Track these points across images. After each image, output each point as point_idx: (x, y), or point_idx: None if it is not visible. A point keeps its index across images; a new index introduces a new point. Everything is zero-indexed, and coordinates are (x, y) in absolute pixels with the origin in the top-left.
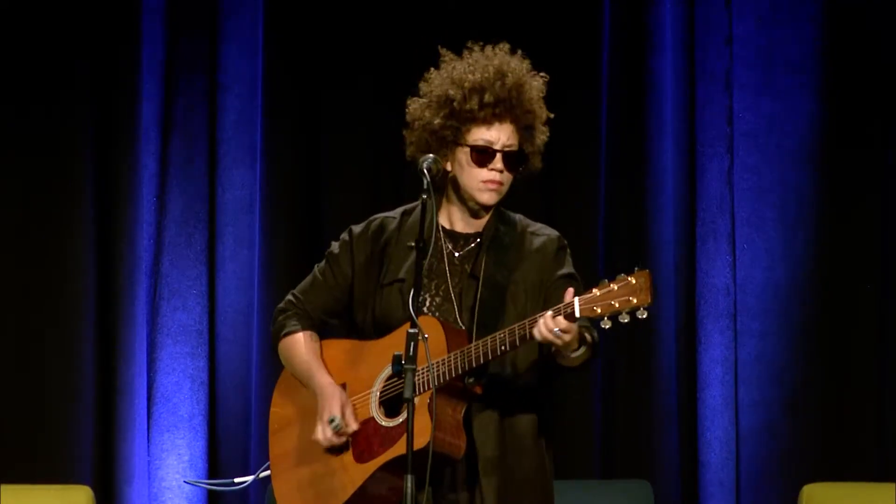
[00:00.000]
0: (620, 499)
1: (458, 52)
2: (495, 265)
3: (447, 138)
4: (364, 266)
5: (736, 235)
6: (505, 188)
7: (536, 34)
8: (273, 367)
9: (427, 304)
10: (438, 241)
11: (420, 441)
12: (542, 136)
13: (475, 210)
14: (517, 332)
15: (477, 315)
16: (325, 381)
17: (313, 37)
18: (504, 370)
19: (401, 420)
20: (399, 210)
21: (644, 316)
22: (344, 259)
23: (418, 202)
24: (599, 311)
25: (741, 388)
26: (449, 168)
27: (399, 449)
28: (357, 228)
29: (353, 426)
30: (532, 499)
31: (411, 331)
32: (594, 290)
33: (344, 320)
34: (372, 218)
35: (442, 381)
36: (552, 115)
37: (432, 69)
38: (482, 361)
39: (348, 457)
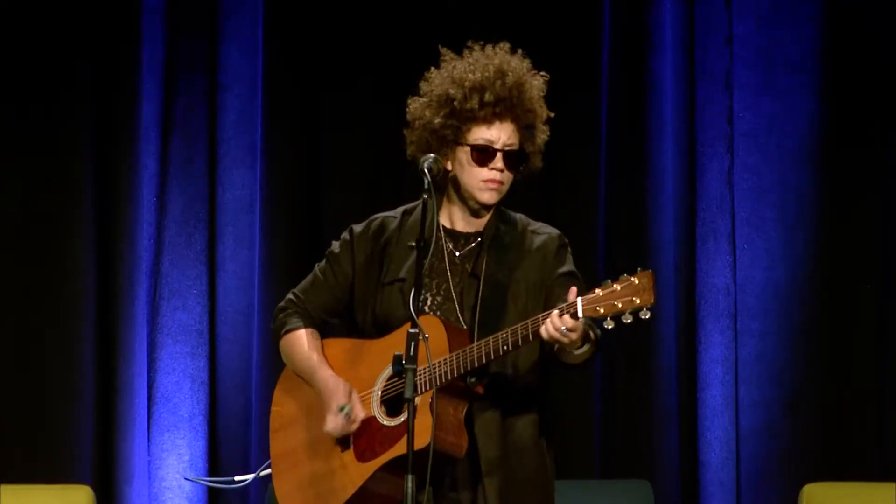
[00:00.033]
0: (620, 499)
1: (459, 52)
2: (496, 264)
3: (447, 138)
4: (364, 265)
5: (736, 235)
6: (505, 187)
7: (536, 34)
8: (273, 366)
9: (428, 303)
10: (439, 240)
11: (422, 440)
12: (542, 135)
13: (476, 209)
14: (520, 331)
15: (478, 314)
16: (327, 374)
17: (313, 37)
18: (505, 370)
19: (402, 419)
20: (400, 209)
21: (647, 316)
22: (344, 258)
23: (419, 202)
24: (602, 311)
25: (741, 388)
26: (449, 167)
27: (400, 448)
28: (358, 228)
29: (362, 413)
30: (533, 499)
31: (412, 331)
32: (597, 291)
33: (344, 320)
34: (373, 217)
35: (444, 380)
36: (552, 115)
37: (433, 68)
38: (484, 361)
39: (349, 456)
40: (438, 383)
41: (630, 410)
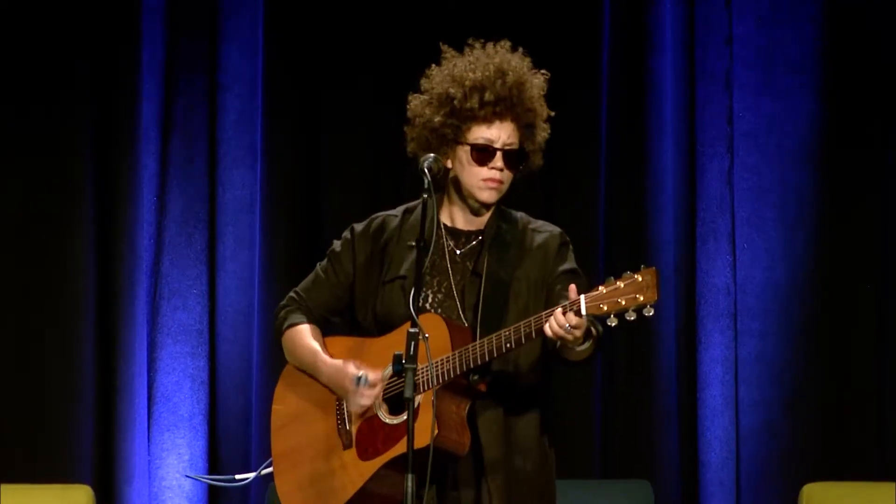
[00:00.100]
0: (620, 499)
1: (459, 52)
2: (497, 262)
3: (448, 136)
4: (365, 264)
5: (736, 235)
6: (505, 186)
7: (536, 34)
8: (273, 366)
9: (430, 300)
10: (440, 238)
11: (424, 439)
12: (542, 133)
13: (476, 208)
14: (522, 329)
15: (481, 312)
16: (331, 361)
17: (313, 37)
18: (507, 368)
19: (405, 417)
20: (401, 208)
21: (651, 313)
22: (346, 257)
23: (420, 201)
24: (606, 308)
25: (741, 388)
26: (450, 165)
27: (403, 447)
28: (359, 227)
29: (377, 376)
30: (535, 498)
31: (412, 330)
32: (600, 288)
33: (346, 318)
34: (374, 216)
35: (446, 377)
36: (553, 113)
37: (433, 65)
38: (487, 359)
39: (351, 454)
40: (441, 381)
41: (630, 410)
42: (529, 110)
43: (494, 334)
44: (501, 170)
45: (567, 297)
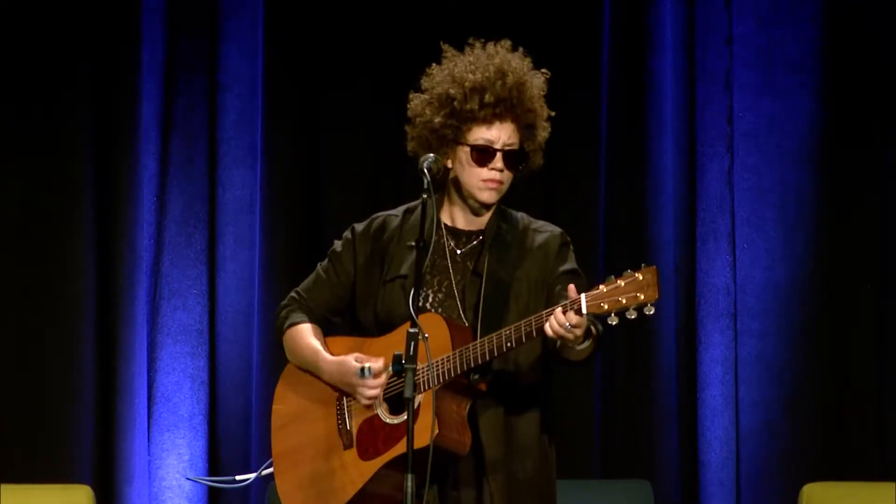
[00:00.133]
0: (620, 499)
1: (459, 52)
2: (498, 262)
3: (448, 137)
4: (366, 264)
5: (736, 235)
6: (505, 187)
7: (536, 34)
8: (273, 366)
9: (430, 300)
10: (441, 237)
11: (424, 439)
12: (543, 132)
13: (476, 208)
14: (523, 328)
15: (481, 312)
16: (332, 359)
17: (313, 37)
18: (507, 367)
19: (405, 417)
20: (401, 208)
21: (651, 312)
22: (346, 257)
23: (420, 200)
24: (606, 307)
25: (741, 388)
26: (450, 165)
27: (404, 446)
28: (359, 226)
29: (380, 364)
30: (536, 498)
31: (411, 330)
32: (601, 287)
33: (346, 318)
34: (374, 216)
35: (447, 377)
36: (553, 113)
37: (434, 64)
38: (488, 358)
39: (352, 454)
40: (441, 380)
41: (630, 410)
42: (529, 111)
43: (495, 333)
44: (501, 170)
45: (567, 297)
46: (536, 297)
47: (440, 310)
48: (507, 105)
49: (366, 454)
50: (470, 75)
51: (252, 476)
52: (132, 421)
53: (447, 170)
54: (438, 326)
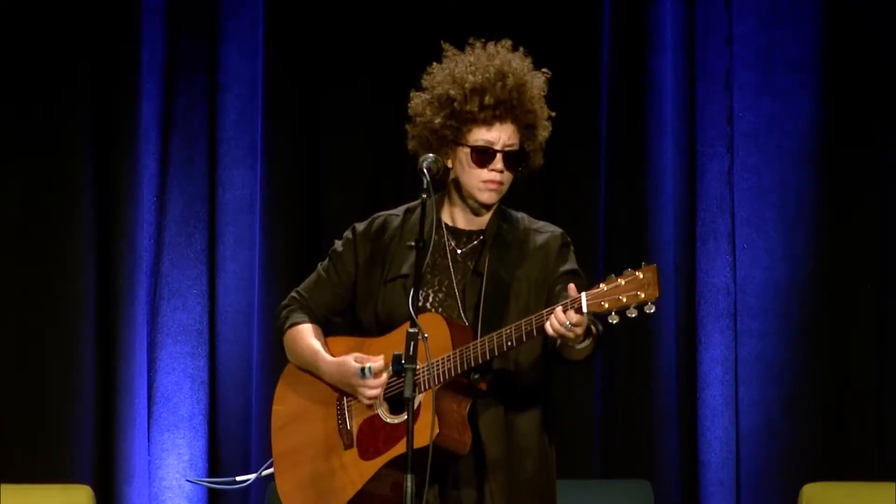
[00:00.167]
0: (620, 499)
1: (460, 51)
2: (499, 262)
3: (448, 138)
4: (367, 263)
5: (736, 235)
6: (505, 187)
7: (536, 34)
8: (273, 366)
9: (430, 300)
10: (441, 237)
11: (425, 438)
12: (544, 132)
13: (476, 208)
14: (524, 327)
15: (482, 311)
16: (332, 360)
17: (313, 37)
18: (508, 366)
19: (406, 416)
20: (402, 208)
21: (652, 310)
22: (348, 256)
23: (420, 200)
24: (607, 305)
25: (741, 388)
26: (450, 165)
27: (404, 446)
28: (360, 226)
29: (381, 359)
30: (536, 498)
31: (411, 330)
32: (601, 286)
33: (347, 318)
34: (375, 216)
35: (448, 376)
36: (553, 114)
37: (435, 63)
38: (488, 357)
39: (353, 454)
40: (442, 380)
41: (630, 410)
42: (530, 112)
43: (495, 333)
44: (501, 171)
45: (568, 296)
46: (537, 297)
47: (440, 309)
48: (507, 106)
49: (366, 454)
50: (470, 76)
51: (252, 477)
52: (132, 421)
53: (447, 169)
54: (439, 326)
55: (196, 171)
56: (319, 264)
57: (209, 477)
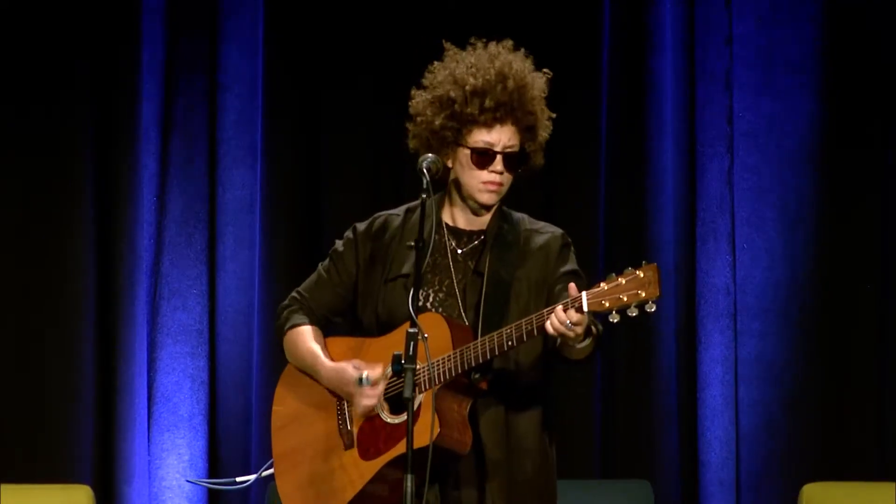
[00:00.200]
0: (620, 499)
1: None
2: (499, 262)
3: (448, 139)
4: (368, 263)
5: (736, 235)
6: (505, 188)
7: (536, 34)
8: (273, 366)
9: (430, 299)
10: (442, 237)
11: (425, 438)
12: (544, 132)
13: (476, 209)
14: (524, 326)
15: (482, 311)
16: (331, 365)
17: (313, 37)
18: (508, 365)
19: (406, 416)
20: (403, 207)
21: (653, 309)
22: (349, 256)
23: (420, 200)
24: (608, 304)
25: (741, 388)
26: (450, 164)
27: (405, 446)
28: (361, 226)
29: (379, 370)
30: (536, 498)
31: (411, 330)
32: (602, 285)
33: (348, 318)
34: (376, 215)
35: (449, 376)
36: (554, 115)
37: (436, 62)
38: (489, 357)
39: (353, 454)
40: (442, 380)
41: (630, 410)
42: (530, 114)
43: (496, 332)
44: (501, 173)
45: (568, 295)
46: (537, 298)
47: (441, 309)
48: (507, 109)
49: (367, 454)
50: (471, 79)
51: (252, 478)
52: (132, 421)
53: (447, 169)
54: (439, 326)
55: (196, 171)
56: (320, 264)
57: (209, 477)
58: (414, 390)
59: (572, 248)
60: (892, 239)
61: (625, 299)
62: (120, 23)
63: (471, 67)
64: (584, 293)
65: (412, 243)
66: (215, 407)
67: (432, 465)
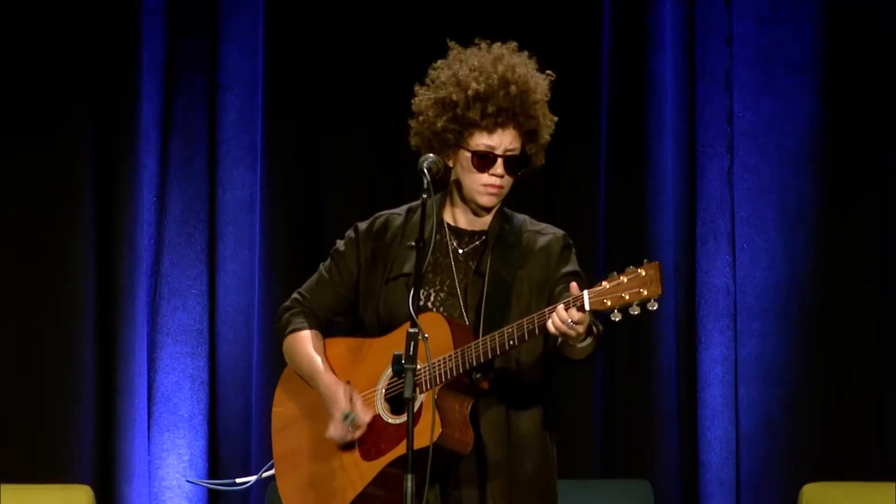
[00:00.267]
0: (620, 499)
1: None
2: (500, 262)
3: (449, 141)
4: (369, 262)
5: (736, 235)
6: (505, 191)
7: (537, 34)
8: (273, 366)
9: (431, 299)
10: (443, 237)
11: (426, 438)
12: (546, 134)
13: (476, 210)
14: (525, 326)
15: (483, 311)
16: (329, 380)
17: (313, 37)
18: (509, 365)
19: (407, 417)
20: (404, 207)
21: (655, 308)
22: (350, 256)
23: (421, 200)
24: (610, 303)
25: (741, 388)
26: (451, 164)
27: (405, 447)
28: (362, 225)
29: (367, 417)
30: (537, 497)
31: (411, 330)
32: (604, 283)
33: (349, 318)
34: (377, 215)
35: (450, 376)
36: (556, 118)
37: (440, 60)
38: (489, 356)
39: (354, 454)
40: (443, 380)
41: (630, 410)
42: (532, 118)
43: (497, 332)
44: (502, 176)
45: (570, 294)
46: (538, 298)
47: (441, 309)
48: (509, 114)
49: (368, 455)
50: (473, 83)
51: (252, 479)
52: (132, 421)
53: (449, 169)
54: (440, 326)
55: (196, 171)
56: (321, 264)
57: (209, 477)
58: (414, 390)
59: (573, 250)
60: (892, 239)
61: (627, 298)
62: (120, 23)
63: (474, 71)
64: (585, 291)
65: (413, 243)
66: (215, 407)
67: (434, 465)
